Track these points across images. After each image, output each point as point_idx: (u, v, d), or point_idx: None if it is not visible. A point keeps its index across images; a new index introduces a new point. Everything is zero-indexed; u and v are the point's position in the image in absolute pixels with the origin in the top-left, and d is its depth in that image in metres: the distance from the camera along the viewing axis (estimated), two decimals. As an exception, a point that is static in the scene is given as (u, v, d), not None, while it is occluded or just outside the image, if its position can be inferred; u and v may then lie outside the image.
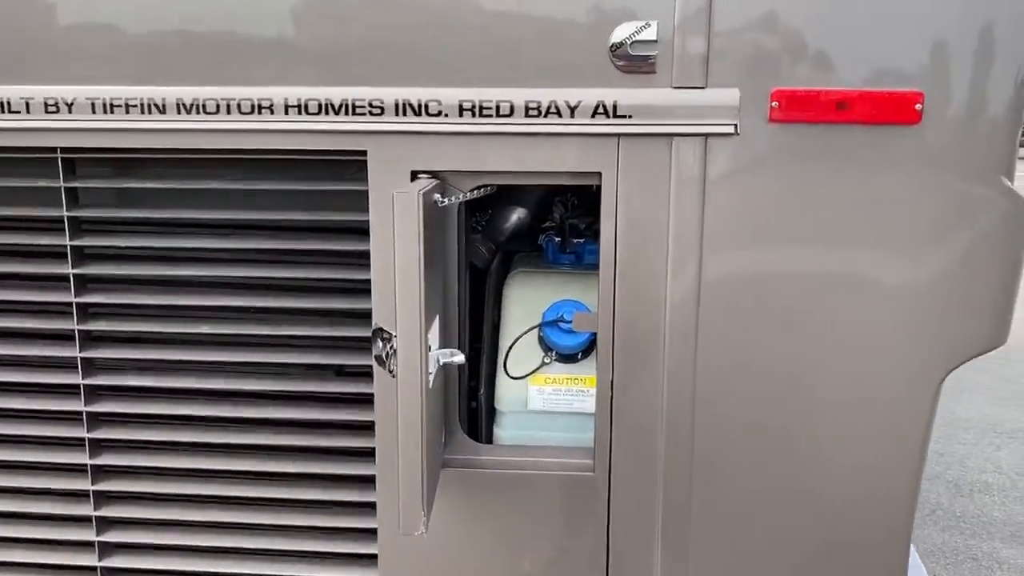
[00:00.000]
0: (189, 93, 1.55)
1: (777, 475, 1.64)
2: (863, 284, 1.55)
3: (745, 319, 1.58)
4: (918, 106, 1.46)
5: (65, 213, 1.65)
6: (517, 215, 2.04)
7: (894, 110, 1.46)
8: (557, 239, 2.04)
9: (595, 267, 1.63)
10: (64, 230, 1.66)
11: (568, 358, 1.78)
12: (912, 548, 1.85)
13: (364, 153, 1.56)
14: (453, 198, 1.57)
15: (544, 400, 1.78)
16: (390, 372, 1.39)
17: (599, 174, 1.54)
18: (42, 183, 1.65)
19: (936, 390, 1.57)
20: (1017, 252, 1.53)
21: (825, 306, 1.56)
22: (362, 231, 1.61)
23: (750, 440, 1.62)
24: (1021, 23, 1.46)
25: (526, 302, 1.83)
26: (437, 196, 1.50)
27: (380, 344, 1.45)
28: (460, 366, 1.67)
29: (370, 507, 1.72)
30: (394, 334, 1.37)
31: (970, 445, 4.60)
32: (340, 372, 1.77)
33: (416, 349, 1.32)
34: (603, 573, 1.69)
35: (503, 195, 1.94)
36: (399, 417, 1.36)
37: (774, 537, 1.67)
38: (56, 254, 1.69)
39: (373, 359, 1.53)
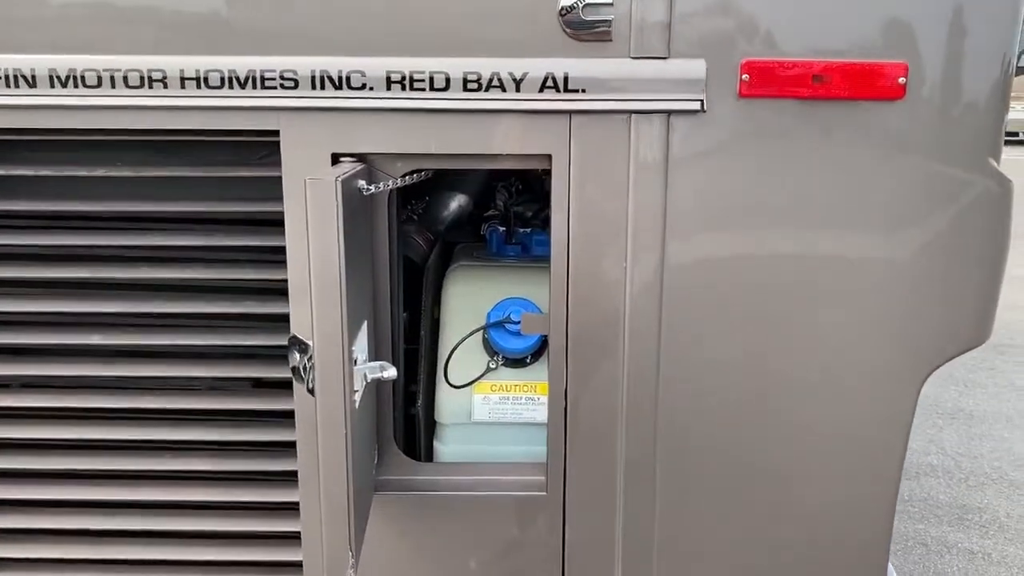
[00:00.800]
0: (64, 63, 1.31)
1: (745, 488, 1.49)
2: (841, 276, 1.40)
3: (712, 317, 1.42)
4: (901, 79, 1.31)
5: (-81, 205, 1.40)
6: (457, 202, 1.85)
7: (875, 84, 1.31)
8: (501, 229, 1.86)
9: (544, 260, 1.45)
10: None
11: (516, 363, 1.60)
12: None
13: (276, 133, 1.34)
14: (382, 185, 1.36)
15: (490, 410, 1.59)
16: (308, 389, 1.19)
17: (548, 157, 1.35)
18: None
19: (917, 389, 1.45)
20: (1003, 236, 1.40)
21: (800, 299, 1.41)
22: (277, 223, 1.39)
23: (720, 451, 1.47)
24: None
25: (468, 300, 1.64)
26: (362, 183, 1.29)
27: (297, 355, 1.24)
28: (398, 379, 1.47)
29: (295, 537, 1.52)
30: (311, 344, 1.17)
31: (913, 426, 4.62)
32: (257, 385, 1.55)
33: (338, 363, 1.11)
34: (559, 595, 1.53)
35: (441, 180, 1.74)
36: (319, 443, 1.15)
37: (742, 557, 1.52)
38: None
39: (290, 371, 1.32)
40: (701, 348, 1.44)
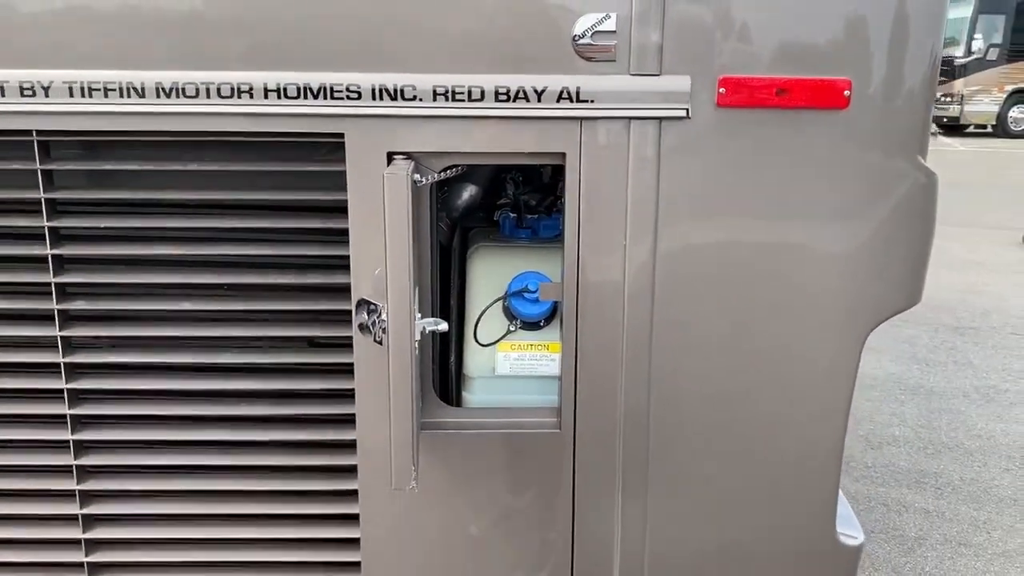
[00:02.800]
0: (169, 77, 1.60)
1: (723, 427, 1.82)
2: (798, 252, 1.73)
3: (696, 286, 1.74)
4: (846, 92, 1.64)
5: (42, 195, 1.68)
6: (469, 192, 2.15)
7: (826, 96, 1.64)
8: (512, 215, 2.16)
9: (551, 241, 1.76)
10: (41, 212, 1.69)
11: (532, 326, 1.92)
12: (841, 495, 2.07)
13: (341, 135, 1.65)
14: (427, 178, 1.67)
15: (511, 365, 1.91)
16: (376, 340, 1.49)
17: (563, 154, 1.67)
18: (17, 165, 1.68)
19: (861, 345, 1.78)
20: (930, 220, 1.73)
21: (764, 272, 1.74)
22: (334, 209, 1.70)
23: (699, 396, 1.80)
24: (933, 17, 1.66)
25: (490, 274, 1.95)
26: (416, 176, 1.60)
27: (365, 315, 1.54)
28: (433, 334, 1.79)
29: (350, 470, 1.83)
30: (380, 305, 1.48)
31: (877, 401, 4.98)
32: (312, 344, 1.86)
33: (406, 318, 1.43)
34: (570, 520, 1.85)
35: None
36: (390, 381, 1.47)
37: (720, 483, 1.85)
38: (33, 236, 1.71)
39: (355, 328, 1.63)
40: (687, 312, 1.76)
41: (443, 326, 1.61)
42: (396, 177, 1.41)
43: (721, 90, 1.63)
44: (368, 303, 1.52)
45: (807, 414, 1.81)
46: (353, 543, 1.86)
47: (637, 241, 1.71)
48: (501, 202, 2.23)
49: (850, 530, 1.94)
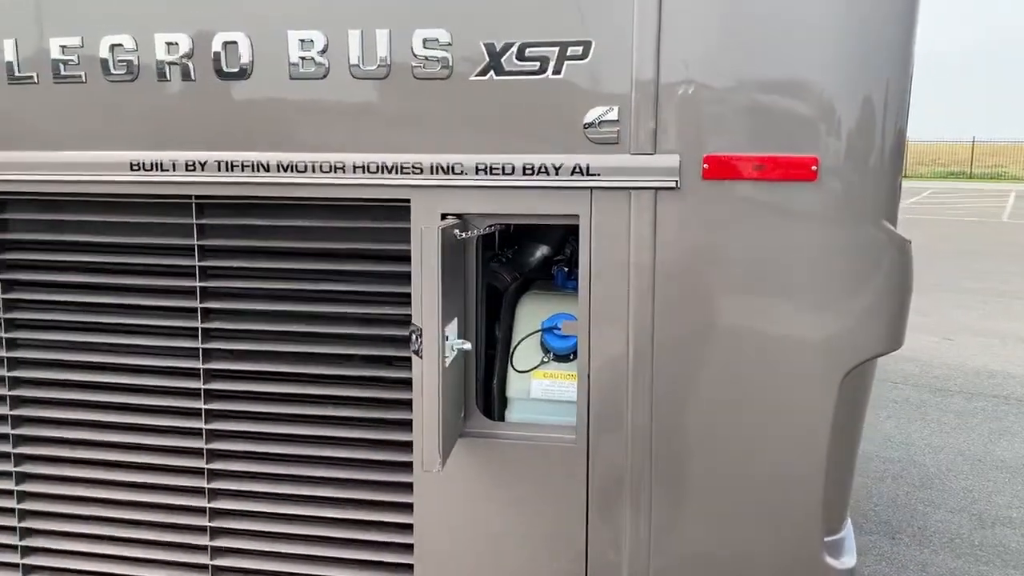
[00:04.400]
0: (286, 156, 2.18)
1: (714, 449, 2.11)
2: (776, 303, 2.03)
3: (690, 326, 2.08)
4: (814, 167, 1.95)
5: (195, 242, 2.30)
6: (539, 251, 2.59)
7: (796, 170, 1.96)
8: (565, 269, 2.58)
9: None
10: (194, 254, 2.31)
11: (562, 358, 2.31)
12: (849, 525, 2.28)
13: (407, 201, 2.15)
14: (471, 232, 2.14)
15: (543, 390, 2.31)
16: (419, 355, 1.95)
17: (577, 216, 2.08)
18: (180, 220, 2.31)
19: (837, 384, 2.03)
20: (899, 276, 1.99)
21: (748, 317, 2.05)
22: (403, 258, 2.19)
23: (694, 421, 2.11)
24: (894, 100, 1.95)
25: (533, 315, 2.38)
26: (457, 231, 2.07)
27: (415, 339, 2.01)
28: (479, 362, 2.23)
29: (407, 466, 2.28)
30: (420, 327, 1.94)
31: (1001, 483, 4.82)
32: (390, 363, 2.35)
33: (434, 335, 1.88)
34: (584, 517, 2.19)
35: (527, 235, 2.49)
36: (423, 383, 1.92)
37: (712, 501, 2.13)
38: (187, 273, 2.33)
39: (412, 352, 2.10)
40: (683, 348, 2.09)
41: (467, 345, 2.06)
42: (429, 231, 1.89)
43: (705, 165, 1.99)
44: (418, 328, 1.99)
45: (789, 440, 2.07)
46: (407, 528, 2.30)
47: (638, 289, 2.07)
48: (558, 258, 2.66)
49: (843, 556, 2.14)
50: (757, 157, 1.98)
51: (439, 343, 1.90)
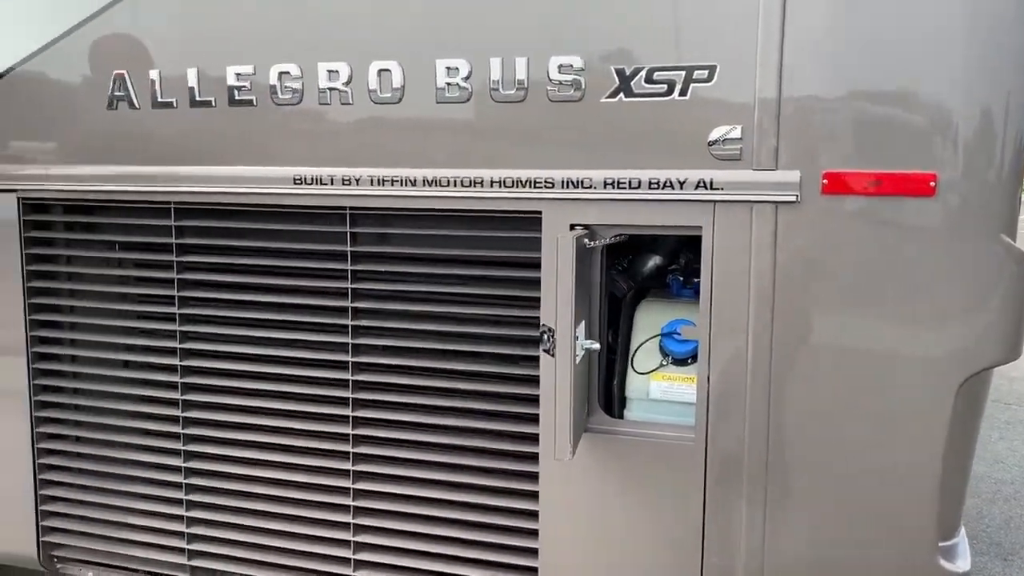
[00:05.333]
0: (431, 172, 2.41)
1: (831, 452, 2.21)
2: (894, 317, 2.12)
3: (808, 335, 2.19)
4: (932, 183, 2.04)
5: (348, 248, 2.56)
6: (652, 261, 2.74)
7: (915, 186, 2.05)
8: (680, 279, 2.72)
9: (705, 299, 2.31)
10: (347, 259, 2.57)
11: (680, 362, 2.45)
12: (962, 531, 2.33)
13: (539, 213, 2.35)
14: (598, 241, 2.32)
15: (662, 391, 2.45)
16: (550, 354, 2.14)
17: (700, 227, 2.23)
18: (335, 229, 2.57)
19: (953, 392, 2.10)
20: (1020, 290, 2.05)
21: (865, 329, 2.15)
22: (532, 265, 2.38)
23: (812, 421, 2.22)
24: (1015, 112, 2.02)
25: (652, 321, 2.53)
26: (586, 240, 2.25)
27: (545, 338, 2.20)
28: (600, 366, 2.40)
29: (534, 457, 2.47)
30: (554, 328, 2.13)
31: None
32: (515, 361, 2.54)
33: (567, 332, 2.07)
34: (700, 515, 2.32)
35: (640, 246, 2.65)
36: (555, 379, 2.11)
37: (831, 498, 2.23)
38: (340, 276, 2.60)
39: (541, 351, 2.29)
40: (800, 356, 2.20)
41: (596, 345, 2.23)
42: (566, 238, 2.08)
43: (824, 181, 2.11)
44: (549, 328, 2.17)
45: (905, 444, 2.15)
46: (533, 514, 2.49)
47: (758, 297, 2.20)
48: (672, 267, 2.80)
49: (958, 560, 2.20)
50: (875, 173, 2.08)
51: (572, 341, 2.08)
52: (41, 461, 3.00)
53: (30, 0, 2.78)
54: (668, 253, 2.74)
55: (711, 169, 2.19)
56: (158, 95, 2.62)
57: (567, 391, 2.09)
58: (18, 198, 2.85)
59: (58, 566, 3.09)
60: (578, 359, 2.17)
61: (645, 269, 2.75)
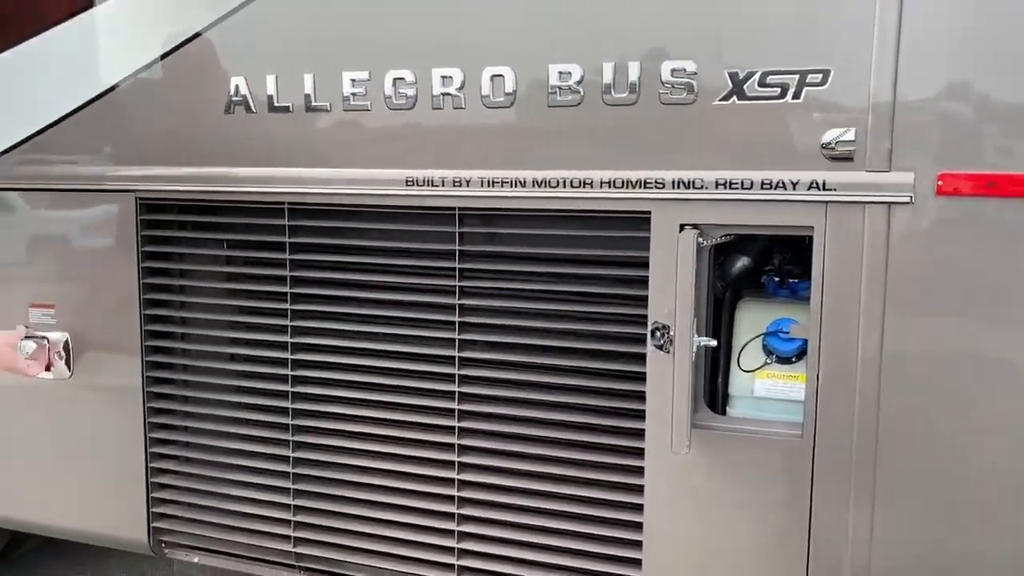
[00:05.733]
0: (541, 174, 2.49)
1: (943, 449, 2.24)
2: (1008, 316, 2.14)
3: (919, 335, 2.22)
4: (1050, 184, 2.07)
5: (456, 247, 2.65)
6: (741, 262, 2.79)
7: (1031, 187, 2.08)
8: (776, 279, 2.76)
9: (804, 299, 2.34)
10: (455, 258, 2.66)
11: (784, 360, 2.49)
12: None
13: (648, 213, 2.41)
14: (709, 241, 2.37)
15: (766, 389, 2.50)
16: (665, 350, 2.20)
17: (812, 228, 2.27)
18: (444, 229, 2.66)
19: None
20: None
21: (977, 329, 2.17)
22: (640, 264, 2.45)
23: (922, 421, 2.24)
24: None
25: (754, 320, 2.57)
26: (700, 240, 2.31)
27: (658, 335, 2.26)
28: (706, 366, 2.46)
29: (639, 452, 2.53)
30: (669, 326, 2.19)
31: None
32: (616, 357, 2.61)
33: (687, 332, 2.13)
34: (807, 512, 2.36)
35: (730, 247, 2.70)
36: (675, 378, 2.16)
37: (940, 498, 2.25)
38: (448, 274, 2.69)
39: (650, 346, 2.35)
40: (911, 356, 2.23)
41: (713, 342, 2.28)
42: (687, 237, 2.14)
43: (940, 182, 2.14)
44: (662, 325, 2.23)
45: (1018, 444, 2.17)
46: (637, 508, 2.55)
47: (870, 297, 2.24)
48: (767, 268, 2.84)
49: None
50: (990, 175, 2.11)
51: (691, 338, 2.14)
52: (153, 451, 3.13)
53: (150, 8, 2.92)
54: (756, 255, 2.78)
55: (824, 170, 2.23)
56: (275, 100, 2.73)
57: (686, 386, 2.16)
58: (136, 199, 3.00)
59: (166, 551, 3.22)
60: (694, 356, 2.23)
61: (734, 270, 2.79)
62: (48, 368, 3.10)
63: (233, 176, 2.83)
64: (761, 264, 2.75)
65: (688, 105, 2.32)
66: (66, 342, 3.12)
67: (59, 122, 3.02)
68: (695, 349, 2.23)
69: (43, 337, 3.09)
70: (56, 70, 3.03)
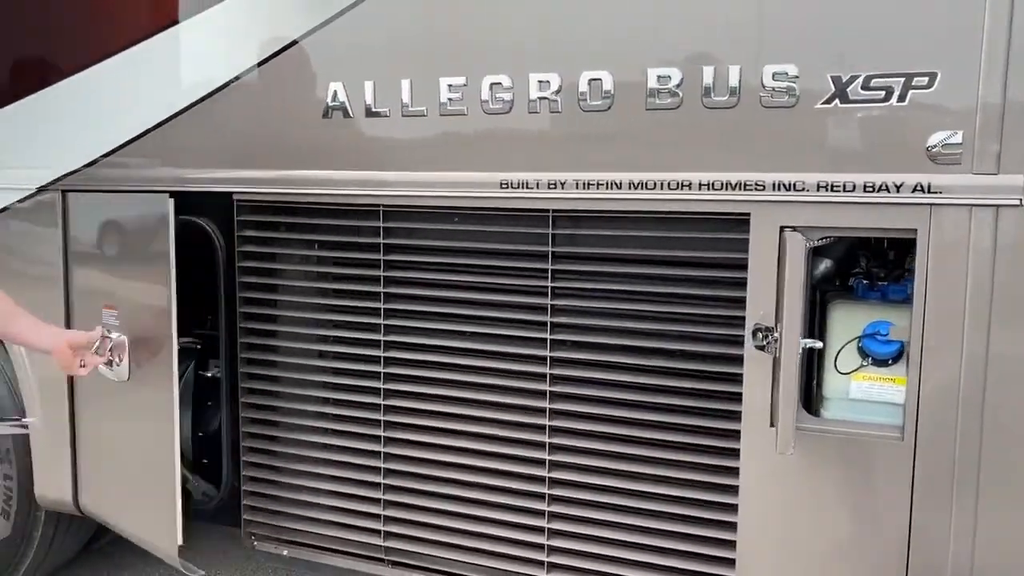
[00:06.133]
0: (637, 176, 2.52)
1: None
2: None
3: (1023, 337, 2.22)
4: None
5: (550, 249, 2.70)
6: (825, 265, 2.79)
7: None
8: (865, 281, 2.75)
9: (895, 302, 2.34)
10: (548, 258, 2.71)
11: (881, 363, 2.49)
12: None
13: (748, 214, 2.43)
14: (809, 243, 2.38)
15: (862, 392, 2.49)
16: (768, 352, 2.22)
17: (915, 230, 2.27)
18: (536, 230, 2.71)
19: None
20: None
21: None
22: (738, 265, 2.47)
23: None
24: None
25: (848, 322, 2.57)
26: (808, 242, 2.33)
27: (760, 336, 2.28)
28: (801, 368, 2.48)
29: (732, 453, 2.55)
30: (772, 327, 2.21)
31: None
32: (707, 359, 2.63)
33: (795, 331, 2.15)
34: (907, 514, 2.36)
35: (816, 250, 2.70)
36: (781, 379, 2.19)
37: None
38: (540, 275, 2.73)
39: (748, 346, 2.37)
40: (1018, 360, 2.22)
41: (819, 344, 2.30)
42: (795, 237, 2.16)
43: (1051, 186, 2.14)
44: (764, 327, 2.25)
45: None
46: (731, 508, 2.57)
47: (975, 300, 2.23)
48: (855, 271, 2.84)
49: None
50: (1104, 178, 2.10)
51: (799, 340, 2.15)
52: (245, 445, 3.23)
53: (248, 15, 3.02)
54: (836, 257, 2.79)
55: (929, 173, 2.23)
56: (372, 105, 2.80)
57: (793, 388, 2.17)
58: (234, 200, 3.09)
59: (255, 543, 3.31)
60: (800, 356, 2.24)
61: (816, 274, 2.80)
62: (109, 364, 2.92)
63: (331, 179, 2.90)
64: (842, 267, 2.76)
65: (789, 108, 2.34)
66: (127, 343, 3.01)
67: (166, 122, 3.11)
68: (800, 350, 2.25)
69: (121, 337, 2.97)
70: (159, 74, 3.14)
